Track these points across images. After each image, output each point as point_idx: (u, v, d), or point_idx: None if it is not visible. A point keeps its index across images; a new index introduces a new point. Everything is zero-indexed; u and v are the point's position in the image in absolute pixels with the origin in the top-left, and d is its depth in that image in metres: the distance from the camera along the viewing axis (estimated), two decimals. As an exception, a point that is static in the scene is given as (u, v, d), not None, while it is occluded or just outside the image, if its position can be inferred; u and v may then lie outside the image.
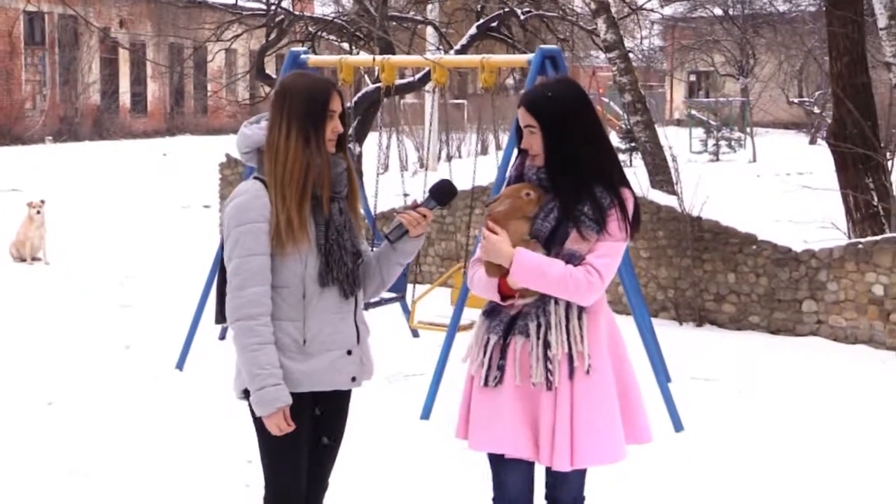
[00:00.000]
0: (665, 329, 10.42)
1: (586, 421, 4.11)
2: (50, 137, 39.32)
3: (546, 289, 4.10)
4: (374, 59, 9.76)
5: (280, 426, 4.19)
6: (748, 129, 32.58)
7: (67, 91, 42.18)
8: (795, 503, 6.43)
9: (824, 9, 13.28)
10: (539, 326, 4.13)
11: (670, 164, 12.66)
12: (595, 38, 16.07)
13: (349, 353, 4.33)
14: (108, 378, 9.13)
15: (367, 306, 9.92)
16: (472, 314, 8.67)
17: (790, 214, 16.15)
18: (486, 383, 4.22)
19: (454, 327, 8.33)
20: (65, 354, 9.93)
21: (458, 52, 15.12)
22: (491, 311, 4.29)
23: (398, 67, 9.78)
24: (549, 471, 4.30)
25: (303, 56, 9.86)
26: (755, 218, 12.92)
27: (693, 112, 35.51)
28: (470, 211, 11.63)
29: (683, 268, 11.37)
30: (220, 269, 4.36)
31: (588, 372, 4.11)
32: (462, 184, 12.71)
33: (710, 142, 31.69)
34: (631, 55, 17.21)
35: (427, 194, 4.38)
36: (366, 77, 17.81)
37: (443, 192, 4.38)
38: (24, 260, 15.27)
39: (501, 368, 4.19)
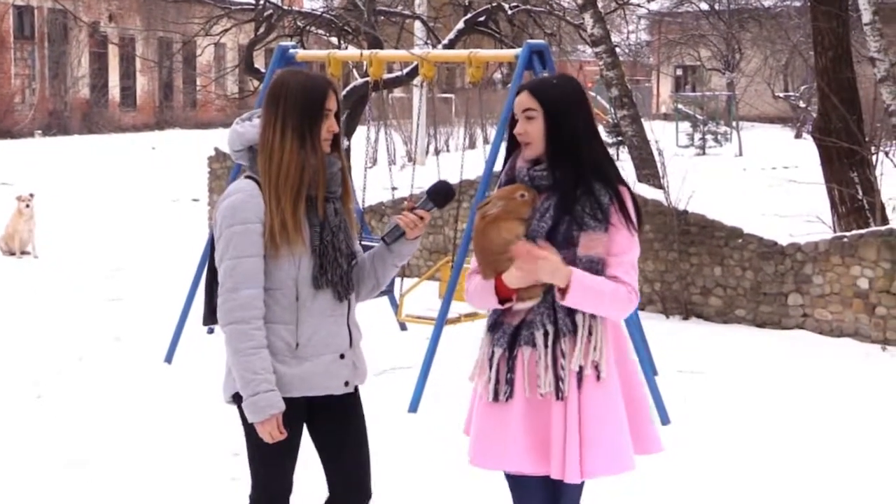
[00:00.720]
0: (652, 322, 10.42)
1: (595, 431, 4.00)
2: (39, 131, 39.19)
3: (601, 308, 3.98)
4: (361, 54, 9.73)
5: (272, 433, 4.07)
6: (734, 124, 32.59)
7: (57, 85, 42.04)
8: (782, 495, 6.43)
9: (809, 4, 13.28)
10: (546, 335, 4.00)
11: (657, 158, 12.66)
12: (582, 33, 16.05)
13: (342, 356, 4.23)
14: (97, 371, 9.10)
15: None
16: (459, 308, 8.67)
17: (776, 208, 16.16)
18: (495, 398, 4.08)
19: (442, 321, 8.31)
20: (54, 348, 9.89)
21: (446, 47, 15.10)
22: (494, 325, 4.16)
23: (386, 62, 9.75)
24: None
25: (291, 51, 9.83)
26: (741, 212, 12.92)
27: (680, 106, 35.51)
28: (458, 205, 11.61)
29: (670, 261, 11.36)
30: (208, 269, 4.26)
31: (599, 379, 4.00)
32: (450, 178, 12.72)
33: (697, 136, 31.69)
34: (618, 50, 17.21)
35: (424, 196, 4.27)
36: (354, 71, 17.75)
37: (440, 194, 4.27)
38: (13, 254, 15.21)
39: (511, 382, 4.06)
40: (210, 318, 4.27)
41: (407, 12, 19.41)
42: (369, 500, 4.42)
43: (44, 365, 9.29)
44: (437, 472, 6.68)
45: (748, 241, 10.97)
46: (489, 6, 15.99)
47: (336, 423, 4.33)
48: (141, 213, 20.14)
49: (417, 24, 20.87)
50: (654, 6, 36.10)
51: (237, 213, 4.07)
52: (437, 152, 13.24)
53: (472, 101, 17.25)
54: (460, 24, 15.63)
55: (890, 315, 10.05)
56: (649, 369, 8.14)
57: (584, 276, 3.94)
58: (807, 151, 17.81)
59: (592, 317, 4.01)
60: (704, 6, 37.07)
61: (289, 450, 4.23)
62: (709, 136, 31.64)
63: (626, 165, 13.52)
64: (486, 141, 29.67)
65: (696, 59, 40.66)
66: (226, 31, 17.86)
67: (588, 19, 12.65)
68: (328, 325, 4.18)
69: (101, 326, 10.75)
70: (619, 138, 22.84)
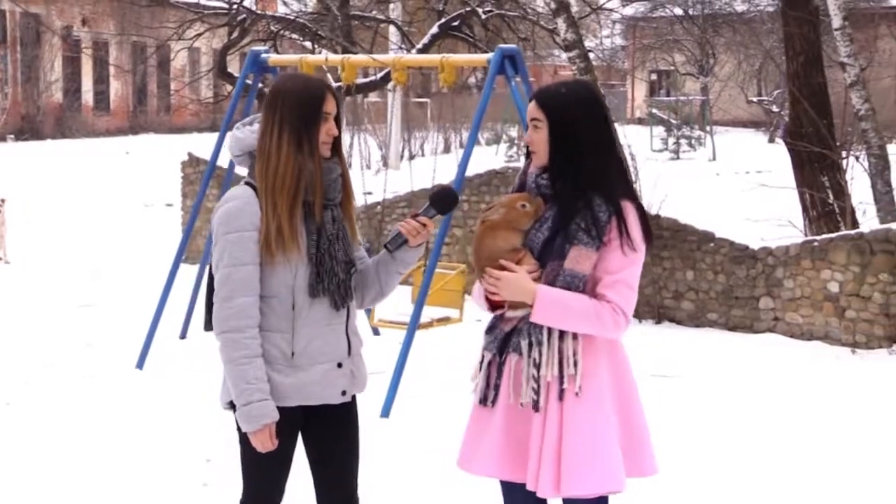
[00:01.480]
0: (624, 326, 10.43)
1: (573, 447, 3.89)
2: (12, 136, 39.03)
3: (571, 325, 3.89)
4: (327, 59, 9.76)
5: (265, 443, 4.04)
6: (708, 128, 32.72)
7: (30, 89, 41.89)
8: (757, 498, 6.47)
9: (781, 9, 13.36)
10: (531, 345, 3.93)
11: (629, 162, 12.70)
12: (556, 37, 16.09)
13: (339, 365, 4.17)
14: (68, 377, 9.07)
15: None
16: (431, 312, 8.70)
17: (748, 212, 16.22)
18: (482, 402, 4.06)
19: (414, 325, 8.32)
20: (24, 354, 9.86)
21: (420, 52, 15.14)
22: (489, 328, 4.11)
23: (359, 67, 9.77)
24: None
25: (263, 55, 9.84)
26: (714, 216, 13.00)
27: (654, 111, 35.63)
28: (430, 209, 11.59)
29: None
30: (209, 275, 4.21)
31: (577, 394, 3.89)
32: (423, 182, 12.75)
33: (671, 140, 31.80)
34: (592, 54, 17.26)
35: (426, 202, 4.19)
36: (328, 76, 17.76)
37: (442, 200, 4.19)
38: (-16, 259, 15.15)
39: (497, 388, 4.02)
40: (210, 324, 4.22)
41: (381, 17, 19.43)
42: None
43: (13, 371, 9.25)
44: (411, 476, 6.69)
45: (720, 245, 11.03)
46: (463, 11, 16.05)
47: (329, 432, 4.28)
48: (114, 218, 20.09)
49: (392, 29, 20.90)
50: (628, 11, 36.23)
51: (232, 221, 4.03)
52: (411, 157, 13.27)
53: (449, 105, 17.24)
54: (434, 29, 15.68)
55: (859, 318, 10.12)
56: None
57: (550, 293, 3.88)
58: (780, 156, 17.88)
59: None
60: (679, 11, 37.25)
61: (283, 458, 4.19)
62: (683, 141, 31.75)
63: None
64: (461, 145, 29.69)
65: (670, 64, 40.78)
66: (199, 35, 17.86)
67: (561, 24, 12.66)
68: (324, 333, 4.13)
69: (73, 332, 10.71)
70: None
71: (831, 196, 12.07)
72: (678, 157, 30.68)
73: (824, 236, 10.65)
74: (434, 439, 7.23)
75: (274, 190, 4.01)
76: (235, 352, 4.03)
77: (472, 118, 9.06)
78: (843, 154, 12.52)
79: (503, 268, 3.97)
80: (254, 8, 17.49)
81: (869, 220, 12.41)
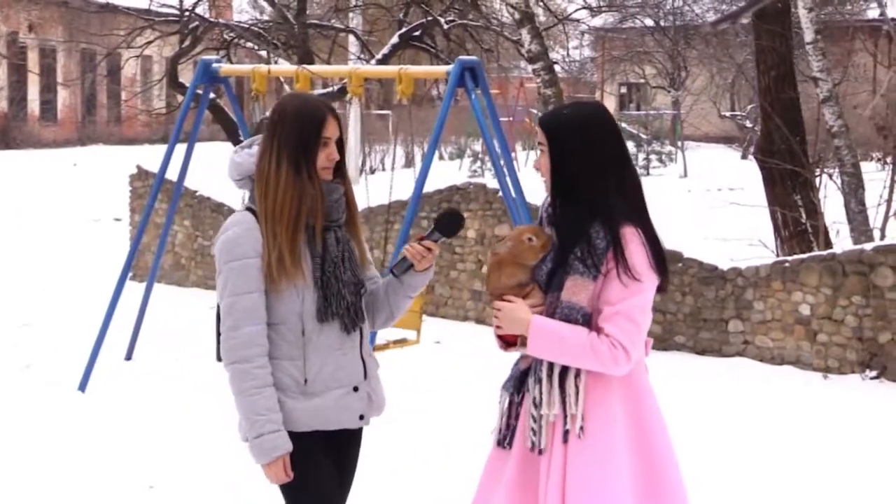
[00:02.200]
0: (588, 349, 10.43)
1: (576, 491, 3.77)
2: (-46, 146, 38.74)
3: (567, 359, 3.82)
4: (269, 70, 9.73)
5: (279, 476, 4.04)
6: (679, 143, 32.85)
7: (-27, 98, 41.61)
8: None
9: (752, 22, 13.43)
10: (539, 382, 3.89)
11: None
12: (520, 49, 16.13)
13: (355, 389, 4.20)
14: (5, 400, 8.98)
15: None
16: (387, 334, 8.66)
17: (719, 231, 16.27)
18: (499, 444, 4.01)
19: (369, 347, 8.27)
20: (-39, 375, 9.77)
21: (380, 62, 15.12)
22: (514, 365, 4.08)
23: (316, 77, 9.75)
24: None
25: (215, 65, 9.82)
26: (683, 235, 13.01)
27: (623, 125, 35.72)
28: (387, 226, 11.60)
29: (608, 286, 11.40)
30: (217, 305, 4.21)
31: (580, 436, 3.79)
32: (380, 197, 12.75)
33: (641, 156, 31.88)
34: (559, 66, 17.28)
35: (431, 226, 4.21)
36: (286, 87, 17.74)
37: (447, 223, 4.20)
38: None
39: (513, 429, 3.97)
40: (220, 353, 4.20)
41: (340, 26, 19.40)
42: None
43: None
44: (404, 499, 6.67)
45: (688, 265, 11.06)
46: (424, 21, 16.04)
47: (347, 459, 4.33)
48: (60, 233, 19.96)
49: (351, 39, 20.88)
50: (597, 22, 36.35)
51: (233, 249, 4.06)
52: (371, 171, 13.25)
53: (408, 117, 17.24)
54: (395, 39, 15.67)
55: (831, 342, 10.17)
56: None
57: (543, 324, 3.82)
58: (753, 173, 17.95)
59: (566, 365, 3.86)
60: (650, 22, 37.40)
61: (320, 481, 4.17)
62: (653, 156, 31.84)
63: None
64: (422, 159, 29.66)
65: (640, 77, 40.94)
66: (149, 43, 17.74)
67: (525, 35, 12.70)
68: (337, 358, 4.16)
69: (11, 353, 10.62)
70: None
71: (804, 215, 12.11)
72: (648, 174, 30.75)
73: (796, 257, 10.70)
74: (386, 461, 7.19)
75: (273, 216, 4.04)
76: (245, 382, 4.03)
77: (432, 131, 9.07)
78: (816, 172, 12.57)
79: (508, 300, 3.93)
80: (207, 15, 17.41)
81: (842, 240, 12.46)
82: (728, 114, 36.60)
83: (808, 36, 12.63)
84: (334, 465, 4.24)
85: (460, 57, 9.09)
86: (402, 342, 8.86)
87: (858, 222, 12.38)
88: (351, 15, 21.85)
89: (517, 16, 13.03)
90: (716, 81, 37.38)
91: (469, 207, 12.89)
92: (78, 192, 26.01)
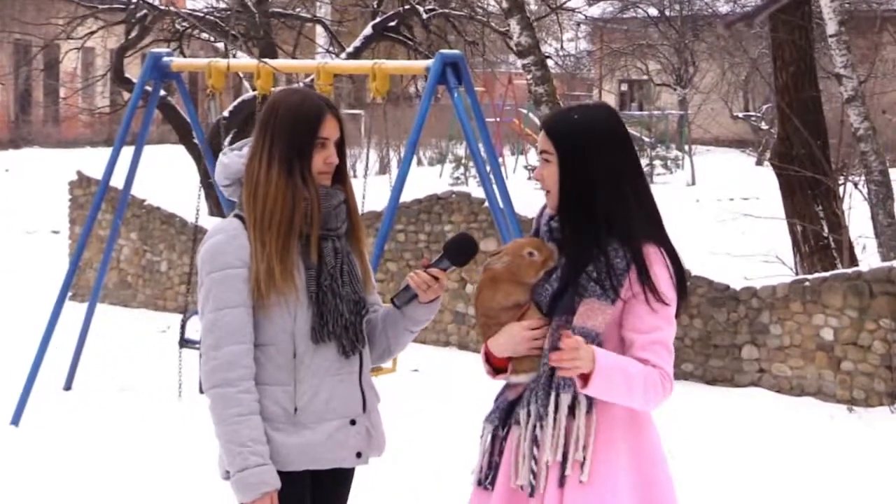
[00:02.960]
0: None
1: None
2: None
3: (633, 396, 3.75)
4: (228, 65, 9.73)
5: None
6: (687, 148, 32.92)
7: None
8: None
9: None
10: (529, 415, 3.84)
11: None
12: (508, 42, 16.17)
13: (353, 422, 4.14)
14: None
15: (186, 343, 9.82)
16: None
17: (730, 246, 16.34)
18: (480, 483, 3.97)
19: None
20: None
21: (352, 56, 15.16)
22: (498, 395, 4.05)
23: (279, 73, 9.77)
24: None
25: (166, 58, 9.84)
26: (690, 250, 13.04)
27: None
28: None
29: (607, 307, 11.42)
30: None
31: (582, 482, 3.76)
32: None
33: (644, 161, 31.97)
34: (552, 61, 17.30)
35: (440, 252, 4.13)
36: (245, 83, 17.75)
37: (458, 250, 4.12)
38: None
39: (495, 467, 3.94)
40: None
41: (306, 15, 19.44)
42: None
43: None
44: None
45: (697, 284, 11.08)
46: (401, 10, 16.08)
47: (326, 500, 4.25)
48: (-11, 248, 19.92)
49: (319, 29, 20.92)
50: (594, 11, 36.46)
51: (217, 258, 4.02)
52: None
53: (385, 118, 17.30)
54: (368, 30, 15.72)
55: (857, 371, 10.19)
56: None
57: (610, 359, 3.72)
58: (769, 181, 18.04)
59: (576, 400, 3.80)
60: (654, 12, 37.48)
61: None
62: (657, 162, 31.93)
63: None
64: (399, 164, 29.65)
65: (643, 73, 41.01)
66: (91, 33, 17.74)
67: (514, 26, 12.72)
68: (332, 385, 4.09)
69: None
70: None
71: (826, 228, 12.14)
72: (652, 182, 30.83)
73: (817, 275, 10.71)
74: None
75: (263, 223, 4.00)
76: (227, 409, 3.96)
77: (409, 134, 9.09)
78: (840, 180, 12.59)
79: (502, 322, 3.90)
80: (156, 3, 17.41)
81: (869, 256, 12.50)
82: (741, 114, 36.72)
83: (831, 28, 12.66)
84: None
85: (441, 51, 9.11)
86: (377, 370, 8.85)
87: (887, 236, 12.41)
88: (318, 3, 21.91)
89: (505, 4, 13.07)
90: (727, 78, 37.45)
91: (451, 219, 12.91)
92: (10, 201, 25.92)
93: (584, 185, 3.86)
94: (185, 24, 17.23)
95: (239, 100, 15.35)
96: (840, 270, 10.78)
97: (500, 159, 22.66)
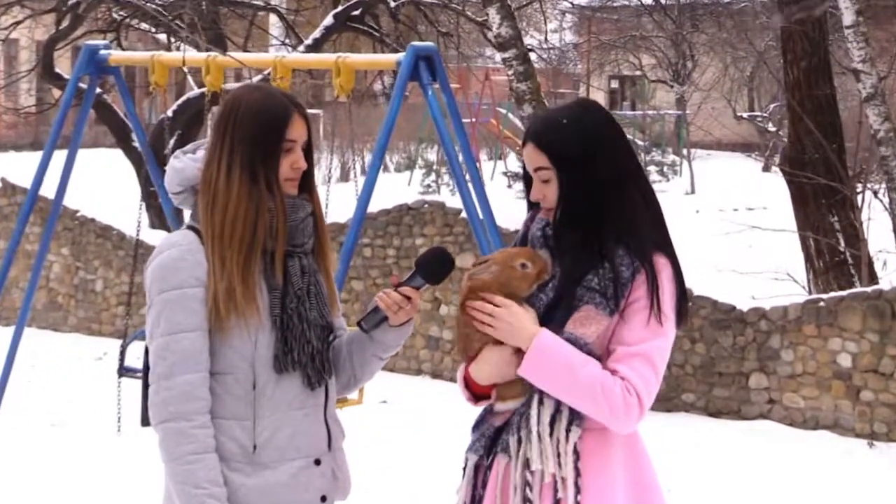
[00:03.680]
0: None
1: None
2: None
3: (568, 393, 3.76)
4: (184, 60, 9.73)
5: None
6: (685, 152, 32.99)
7: None
8: None
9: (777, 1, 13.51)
10: (520, 441, 3.82)
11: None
12: (487, 33, 16.20)
13: (317, 462, 4.08)
14: None
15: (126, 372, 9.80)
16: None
17: (735, 262, 16.39)
18: None
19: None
20: None
21: (311, 48, 15.17)
22: (477, 424, 4.01)
23: (230, 68, 9.77)
24: None
25: (102, 52, 9.82)
26: (692, 267, 13.07)
27: (615, 128, 35.82)
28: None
29: (598, 331, 11.44)
30: (145, 350, 4.10)
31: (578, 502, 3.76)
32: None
33: (637, 167, 32.04)
34: (535, 55, 17.32)
35: (412, 269, 4.07)
36: (190, 79, 17.74)
37: (434, 266, 4.08)
38: None
39: (479, 500, 3.93)
40: (147, 416, 4.03)
41: (259, 3, 19.44)
42: None
43: None
44: None
45: (699, 305, 11.10)
46: (366, -4, 16.11)
47: None
48: None
49: (273, 19, 20.93)
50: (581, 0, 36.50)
51: (169, 276, 3.93)
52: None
53: (347, 118, 17.35)
54: (329, 20, 15.72)
55: (878, 401, 10.22)
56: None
57: (551, 342, 3.74)
58: (778, 189, 18.12)
59: (558, 411, 3.79)
60: (647, 0, 37.54)
61: None
62: (652, 168, 32.01)
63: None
64: (363, 171, 29.70)
65: (636, 68, 41.05)
66: (17, 23, 17.72)
67: (493, 15, 12.72)
68: (296, 420, 4.03)
69: None
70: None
71: (842, 242, 12.17)
72: (646, 189, 30.92)
73: (833, 294, 10.74)
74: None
75: (222, 236, 3.93)
76: (180, 446, 3.88)
77: (378, 136, 9.09)
78: (858, 188, 12.63)
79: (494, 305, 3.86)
80: (91, -11, 17.41)
81: (890, 273, 12.54)
82: (746, 115, 36.76)
83: (848, 18, 12.69)
84: None
85: (413, 43, 9.11)
86: (342, 402, 8.86)
87: (911, 251, 12.47)
88: (273, -11, 21.91)
89: (483, -9, 13.10)
90: (730, 74, 37.50)
91: (423, 232, 12.91)
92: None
93: (588, 195, 3.85)
94: (122, 13, 17.22)
95: (184, 98, 15.36)
96: (858, 289, 10.82)
97: (477, 164, 22.69)
